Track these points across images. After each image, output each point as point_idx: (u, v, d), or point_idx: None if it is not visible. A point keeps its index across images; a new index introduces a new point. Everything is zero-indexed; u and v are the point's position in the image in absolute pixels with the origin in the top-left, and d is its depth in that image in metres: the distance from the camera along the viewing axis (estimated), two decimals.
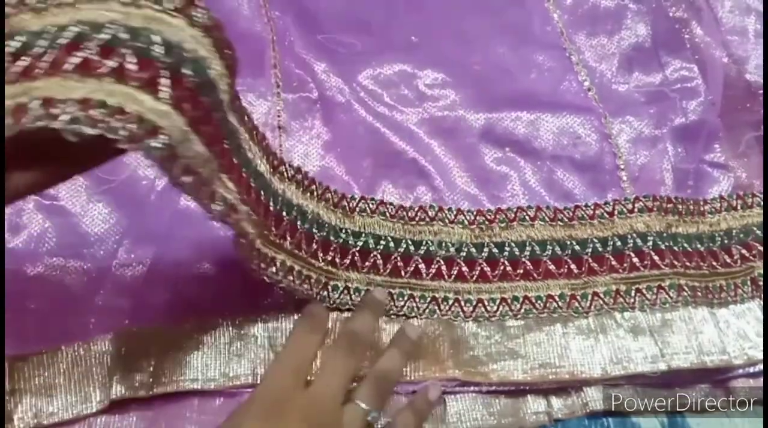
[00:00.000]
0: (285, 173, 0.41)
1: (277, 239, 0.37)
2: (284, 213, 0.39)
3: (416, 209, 0.45)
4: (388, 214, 0.45)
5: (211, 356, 0.39)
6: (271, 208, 0.38)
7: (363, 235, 0.43)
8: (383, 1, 0.55)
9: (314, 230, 0.41)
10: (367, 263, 0.42)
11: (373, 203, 0.45)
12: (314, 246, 0.41)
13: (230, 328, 0.40)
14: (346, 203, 0.44)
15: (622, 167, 0.49)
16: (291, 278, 0.38)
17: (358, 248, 0.43)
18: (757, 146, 0.51)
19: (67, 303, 0.40)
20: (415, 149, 0.48)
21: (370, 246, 0.43)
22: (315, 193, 0.43)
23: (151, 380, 0.38)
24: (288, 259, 0.38)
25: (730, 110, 0.52)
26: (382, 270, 0.42)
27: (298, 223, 0.40)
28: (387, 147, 0.48)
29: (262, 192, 0.36)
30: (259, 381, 0.38)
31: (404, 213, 0.45)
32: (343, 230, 0.43)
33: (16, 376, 0.38)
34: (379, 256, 0.43)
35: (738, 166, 0.51)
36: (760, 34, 0.55)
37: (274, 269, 0.36)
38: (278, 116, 0.49)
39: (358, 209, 0.44)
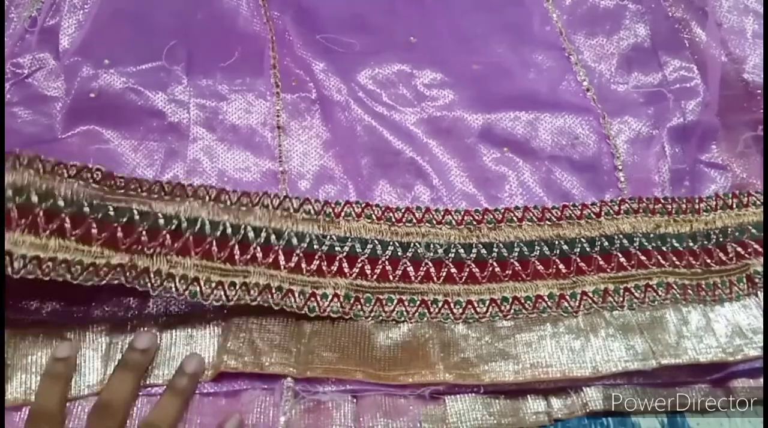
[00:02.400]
0: (249, 203, 0.43)
1: (241, 265, 0.41)
2: (249, 239, 0.41)
3: (403, 210, 0.45)
4: (374, 216, 0.44)
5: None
6: (232, 241, 0.41)
7: (349, 240, 0.43)
8: (382, 1, 0.55)
9: (294, 244, 0.42)
10: (354, 269, 0.42)
11: (358, 207, 0.45)
12: (295, 259, 0.42)
13: (220, 328, 0.41)
14: (330, 210, 0.44)
15: (620, 167, 0.49)
16: (269, 295, 0.40)
17: (344, 254, 0.42)
18: (754, 145, 0.51)
19: (66, 302, 0.40)
20: (413, 149, 0.48)
21: (357, 251, 0.43)
22: (290, 209, 0.43)
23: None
24: (261, 278, 0.40)
25: (728, 110, 0.52)
26: (369, 275, 0.42)
27: (272, 242, 0.42)
28: (385, 146, 0.48)
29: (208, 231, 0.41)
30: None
31: (391, 215, 0.45)
32: (328, 237, 0.43)
33: (11, 351, 0.39)
34: (366, 261, 0.43)
35: (736, 166, 0.51)
36: (758, 34, 0.55)
37: (237, 293, 0.40)
38: (277, 116, 0.49)
39: (343, 213, 0.44)
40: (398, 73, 0.52)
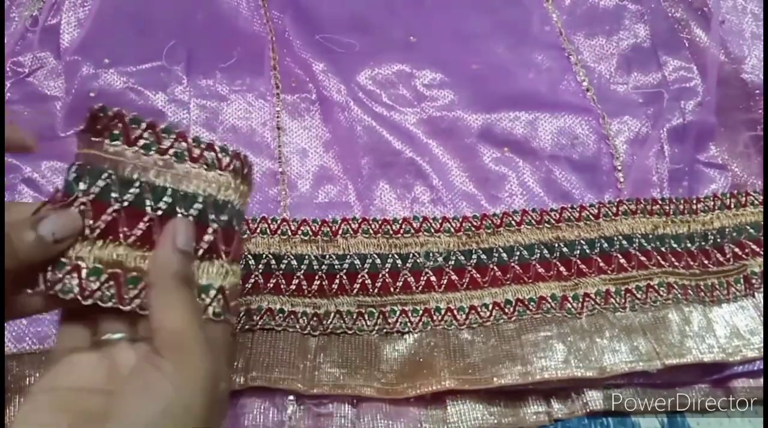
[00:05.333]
0: (248, 231, 0.43)
1: (244, 295, 0.41)
2: (250, 267, 0.42)
3: (400, 221, 0.45)
4: (371, 231, 0.44)
5: None
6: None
7: (348, 257, 0.43)
8: (382, 1, 0.55)
9: (294, 267, 0.42)
10: (356, 285, 0.42)
11: (355, 223, 0.44)
12: (296, 282, 0.42)
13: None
14: (328, 228, 0.44)
15: (620, 167, 0.49)
16: (272, 319, 0.41)
17: (344, 271, 0.42)
18: (753, 145, 0.51)
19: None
20: (413, 149, 0.48)
21: (357, 267, 0.43)
22: (288, 233, 0.44)
23: None
24: (263, 303, 0.41)
25: (727, 110, 0.52)
26: (371, 290, 0.42)
27: (273, 267, 0.42)
28: (385, 147, 0.48)
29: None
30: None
31: (388, 227, 0.44)
32: (327, 256, 0.43)
33: (8, 375, 0.38)
34: (367, 276, 0.42)
35: (735, 166, 0.51)
36: (756, 35, 0.55)
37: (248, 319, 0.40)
38: (277, 117, 0.49)
39: (340, 231, 0.44)
40: (398, 73, 0.52)
